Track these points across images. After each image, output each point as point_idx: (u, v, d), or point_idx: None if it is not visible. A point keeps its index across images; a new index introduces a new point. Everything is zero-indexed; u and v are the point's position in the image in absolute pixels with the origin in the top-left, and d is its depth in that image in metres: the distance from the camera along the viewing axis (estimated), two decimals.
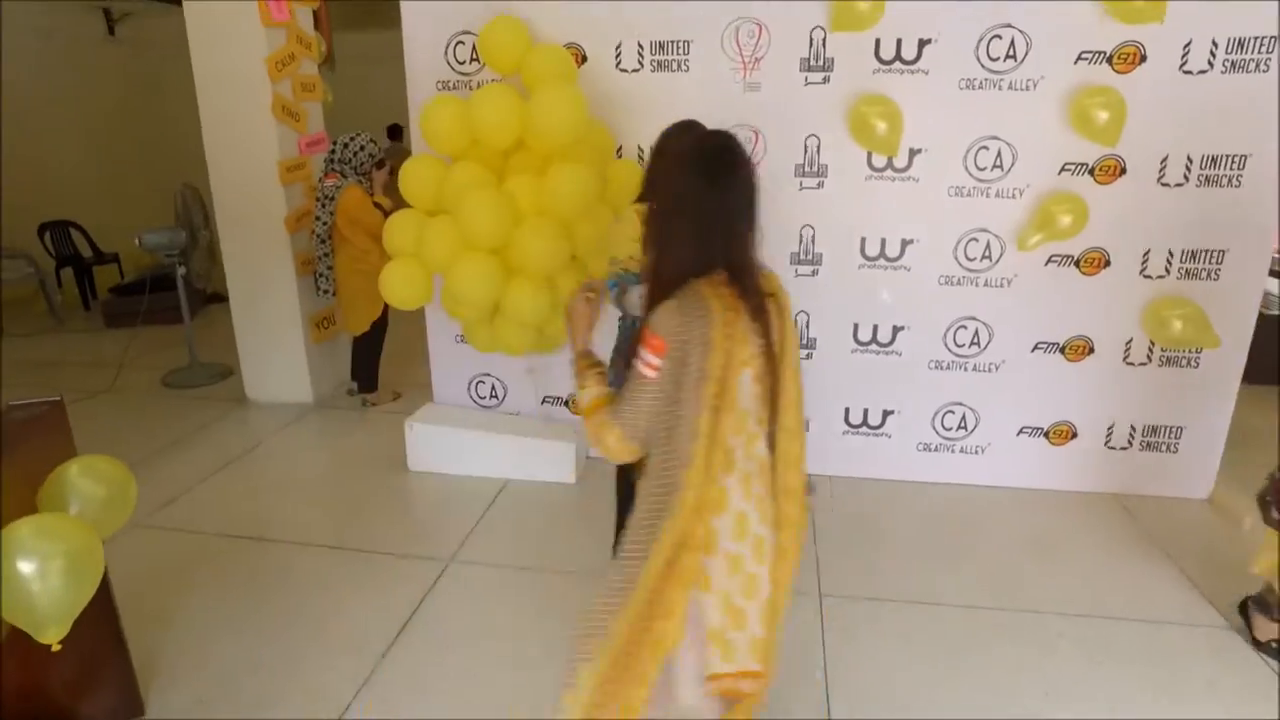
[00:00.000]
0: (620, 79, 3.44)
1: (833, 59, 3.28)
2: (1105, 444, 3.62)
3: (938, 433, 3.68)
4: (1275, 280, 4.38)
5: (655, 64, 3.40)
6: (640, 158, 3.42)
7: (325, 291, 4.28)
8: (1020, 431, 3.64)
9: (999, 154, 3.31)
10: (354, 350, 4.55)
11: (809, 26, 3.25)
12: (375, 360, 4.57)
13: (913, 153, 3.35)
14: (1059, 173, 3.30)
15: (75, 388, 4.87)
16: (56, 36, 7.00)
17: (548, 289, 3.15)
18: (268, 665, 2.55)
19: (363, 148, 4.09)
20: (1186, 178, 3.26)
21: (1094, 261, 3.39)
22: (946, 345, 3.55)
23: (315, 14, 4.49)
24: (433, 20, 3.49)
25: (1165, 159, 3.25)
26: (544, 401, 3.95)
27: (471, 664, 2.54)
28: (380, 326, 4.41)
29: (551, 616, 2.72)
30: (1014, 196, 3.35)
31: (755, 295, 1.48)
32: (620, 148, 3.51)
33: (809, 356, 3.61)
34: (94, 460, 1.96)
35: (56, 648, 1.67)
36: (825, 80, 3.31)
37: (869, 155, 3.37)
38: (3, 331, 6.04)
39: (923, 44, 3.22)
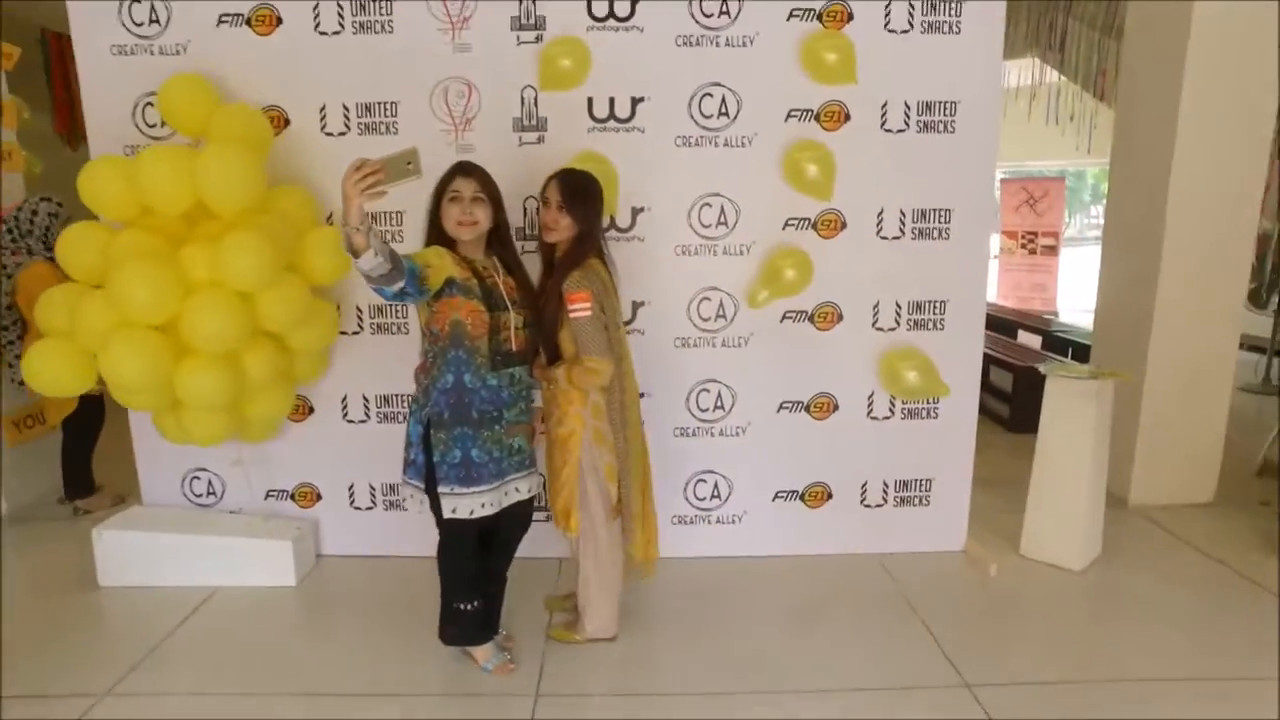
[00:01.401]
0: (326, 143, 3.21)
1: (545, 118, 3.18)
2: (861, 502, 3.54)
3: (690, 503, 3.50)
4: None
5: (362, 126, 3.19)
6: None
7: (20, 383, 3.71)
8: (775, 496, 3.51)
9: (722, 210, 3.27)
10: (62, 450, 3.97)
11: (519, 86, 3.15)
12: (87, 459, 3.99)
13: (635, 211, 3.26)
14: (783, 228, 3.29)
15: None
16: None
17: (229, 367, 2.79)
18: None
19: (48, 215, 3.62)
20: (902, 230, 3.32)
21: (827, 316, 3.37)
22: (690, 411, 3.41)
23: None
24: (117, 79, 3.16)
25: (880, 212, 3.30)
26: (268, 495, 3.52)
27: None
28: (88, 421, 3.87)
29: None
30: (741, 253, 3.30)
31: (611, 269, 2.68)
32: (330, 214, 3.24)
33: None
34: None
35: None
36: (539, 140, 3.19)
37: None
38: None
39: (635, 102, 3.17)
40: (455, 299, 2.39)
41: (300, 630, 3.02)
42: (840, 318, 3.37)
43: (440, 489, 2.45)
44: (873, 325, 3.39)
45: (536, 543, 2.95)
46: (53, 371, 2.76)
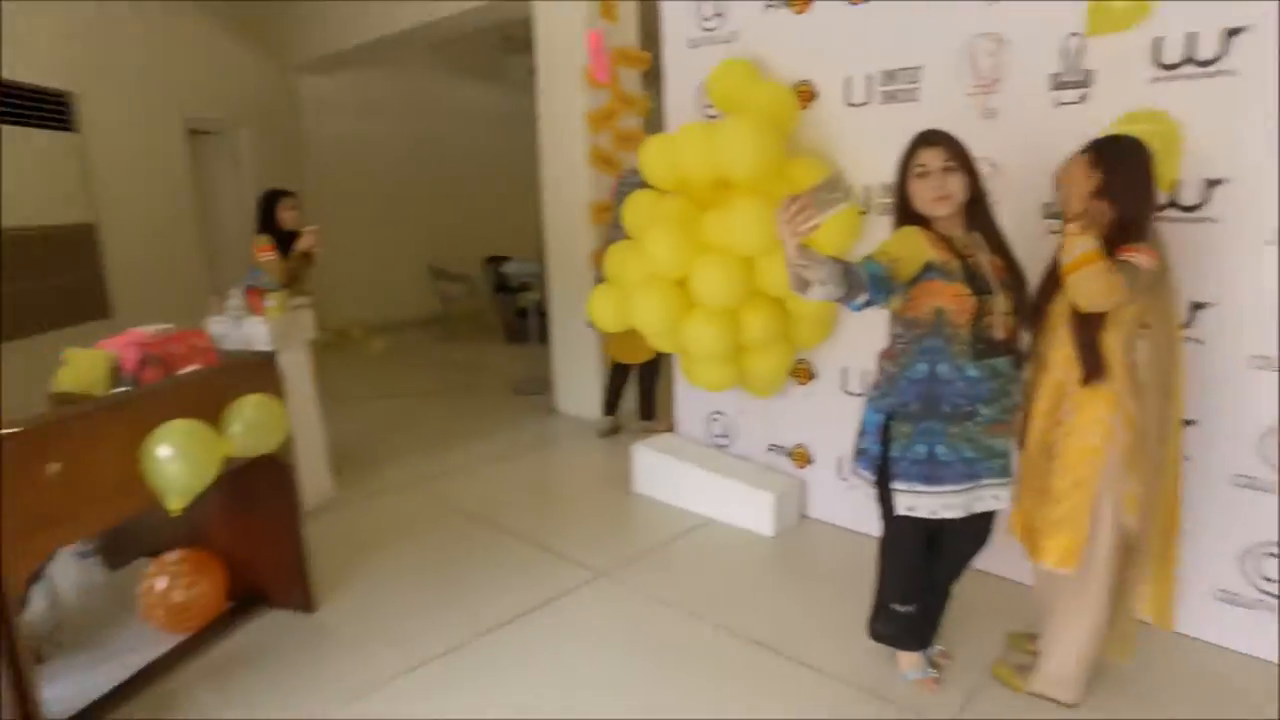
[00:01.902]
0: (848, 114, 3.22)
1: (1092, 71, 2.62)
2: None
3: (1248, 579, 2.59)
4: None
5: (884, 95, 3.10)
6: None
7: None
8: None
9: None
10: (639, 379, 4.93)
11: (1060, 35, 2.66)
12: (651, 390, 4.87)
13: (1210, 184, 2.49)
14: None
15: (453, 382, 6.23)
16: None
17: (727, 323, 3.09)
18: (410, 605, 3.01)
19: (632, 185, 4.41)
20: None
21: None
22: (1262, 455, 2.51)
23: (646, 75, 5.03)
24: (689, 68, 3.67)
25: None
26: (770, 448, 3.81)
27: (539, 675, 2.62)
28: (656, 360, 4.70)
29: (658, 658, 2.67)
30: None
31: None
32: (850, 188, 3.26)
33: None
34: (266, 401, 2.58)
35: (176, 512, 2.26)
36: (1081, 99, 2.66)
37: None
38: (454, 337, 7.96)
39: (1230, 35, 2.39)
40: (934, 283, 2.16)
41: (759, 578, 3.22)
42: None
43: (897, 484, 2.29)
44: None
45: (1001, 559, 2.60)
46: (603, 310, 3.45)
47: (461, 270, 8.20)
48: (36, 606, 2.77)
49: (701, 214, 3.19)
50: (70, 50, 4.57)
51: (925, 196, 2.19)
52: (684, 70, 3.70)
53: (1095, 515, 2.19)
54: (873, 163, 3.06)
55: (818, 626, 2.82)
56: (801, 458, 3.69)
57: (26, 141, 4.25)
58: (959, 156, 2.18)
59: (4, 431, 1.93)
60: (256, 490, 2.88)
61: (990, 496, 2.27)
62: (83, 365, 2.83)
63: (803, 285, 1.99)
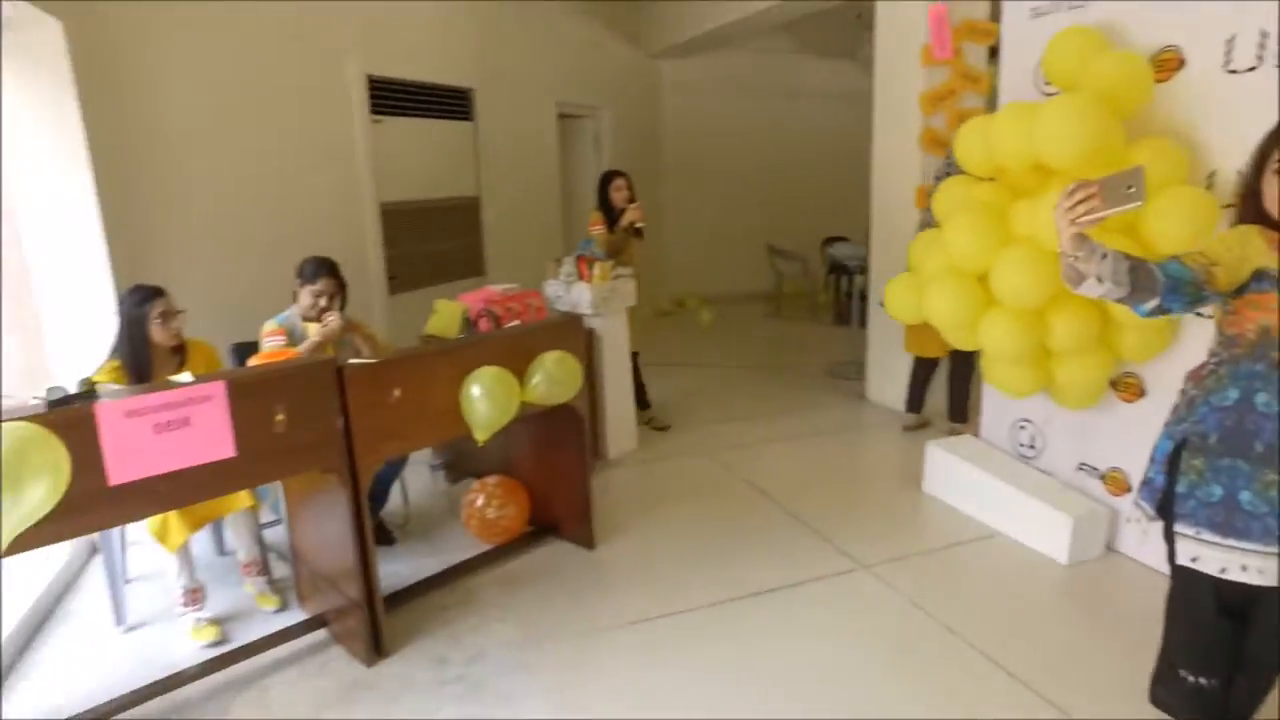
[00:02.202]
0: (1227, 82, 2.66)
1: None
2: None
3: None
4: None
5: None
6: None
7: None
8: None
9: None
10: (950, 377, 4.61)
11: None
12: (964, 389, 4.53)
13: None
14: None
15: (772, 358, 6.37)
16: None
17: (1028, 324, 2.79)
18: (681, 557, 3.27)
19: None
20: None
21: None
22: None
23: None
24: (1030, 41, 3.31)
25: None
26: (1080, 467, 3.36)
27: (774, 648, 2.68)
28: (966, 356, 4.35)
29: (894, 663, 2.61)
30: None
31: None
32: (1213, 173, 2.72)
33: None
34: (565, 357, 2.95)
35: (481, 443, 2.73)
36: None
37: None
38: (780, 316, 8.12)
39: None
40: (1266, 296, 1.78)
41: (1036, 607, 2.90)
42: None
43: (1179, 526, 1.94)
44: None
45: None
46: (899, 300, 3.30)
47: (798, 250, 8.28)
48: (394, 503, 3.52)
49: (1008, 204, 2.89)
50: (470, 52, 5.51)
51: (1275, 195, 1.78)
52: (1024, 43, 3.34)
53: None
54: (1252, 141, 2.50)
55: (1091, 676, 2.48)
56: (1116, 483, 3.20)
57: (431, 131, 5.26)
58: None
59: (353, 362, 2.50)
60: (556, 434, 3.31)
61: None
62: (444, 314, 3.49)
63: (1076, 278, 1.75)
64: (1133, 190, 1.61)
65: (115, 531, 2.88)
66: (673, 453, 4.50)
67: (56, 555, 3.18)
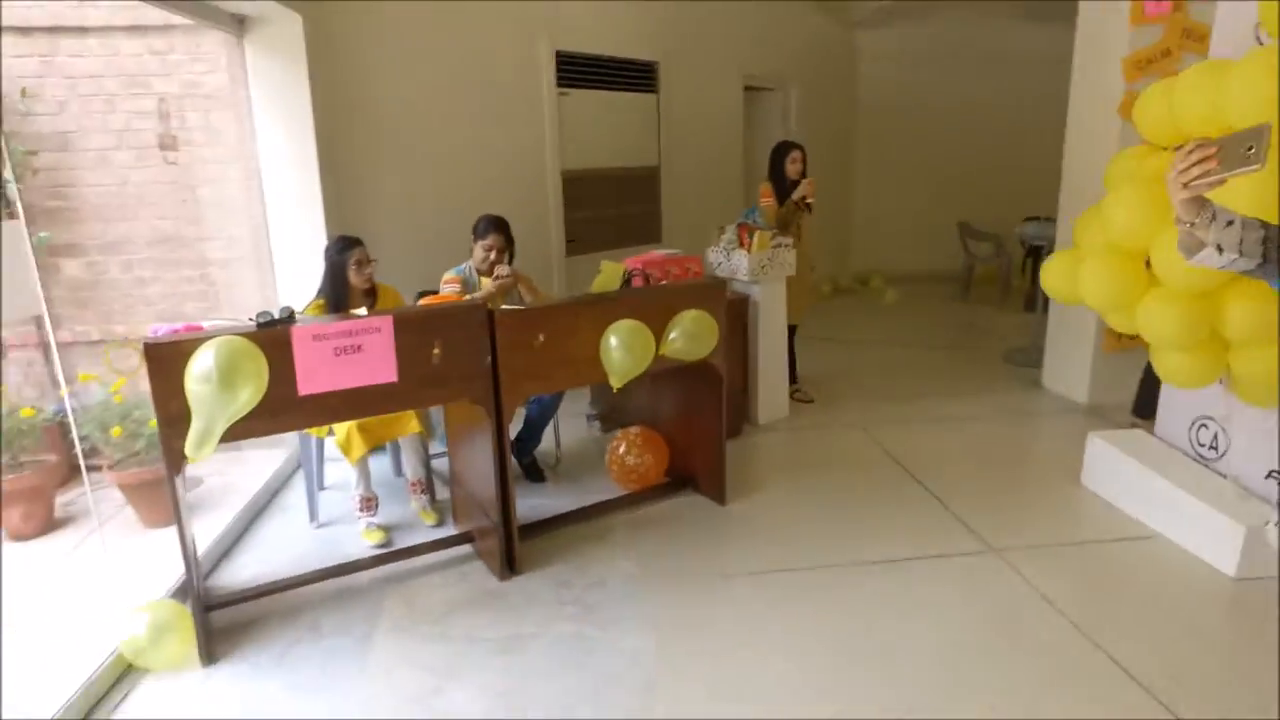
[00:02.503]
0: None
1: None
2: None
3: None
4: None
5: None
6: None
7: None
8: None
9: None
10: (1144, 370, 4.22)
11: None
12: (1156, 382, 4.12)
13: None
14: None
15: (950, 340, 6.14)
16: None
17: (1193, 308, 2.55)
18: (805, 519, 3.37)
19: None
20: None
21: None
22: None
23: None
24: None
25: None
26: (1270, 475, 3.01)
27: (881, 618, 2.70)
28: None
29: (1002, 651, 2.55)
30: None
31: None
32: None
33: None
34: (703, 316, 3.09)
35: (615, 388, 2.95)
36: None
37: None
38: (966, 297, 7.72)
39: None
40: None
41: (1186, 618, 2.67)
42: None
43: None
44: None
45: None
46: (1057, 279, 3.11)
47: (992, 229, 7.77)
48: (548, 445, 3.86)
49: None
50: (655, 26, 5.68)
51: None
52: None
53: None
54: None
55: (1234, 700, 2.27)
56: None
57: (615, 102, 5.53)
58: None
59: (504, 308, 2.80)
60: (697, 392, 3.47)
61: None
62: (608, 273, 3.73)
63: (1194, 247, 1.64)
64: (1253, 151, 1.49)
65: (314, 447, 3.42)
66: (826, 423, 4.51)
67: (273, 462, 3.83)
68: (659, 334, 3.06)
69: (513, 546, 2.96)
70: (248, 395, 2.32)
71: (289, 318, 2.54)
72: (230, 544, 3.24)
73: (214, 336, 2.30)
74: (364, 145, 4.20)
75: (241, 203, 3.76)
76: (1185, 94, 2.60)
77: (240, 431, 2.41)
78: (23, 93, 3.50)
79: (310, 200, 3.76)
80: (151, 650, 2.44)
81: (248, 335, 2.37)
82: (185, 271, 3.83)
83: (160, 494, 3.28)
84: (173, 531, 2.53)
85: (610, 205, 5.64)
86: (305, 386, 2.51)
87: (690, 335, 3.09)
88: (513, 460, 3.51)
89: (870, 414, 4.61)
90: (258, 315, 2.50)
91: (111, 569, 3.01)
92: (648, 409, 3.84)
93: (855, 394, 4.99)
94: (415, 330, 2.65)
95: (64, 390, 3.25)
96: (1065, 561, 3.01)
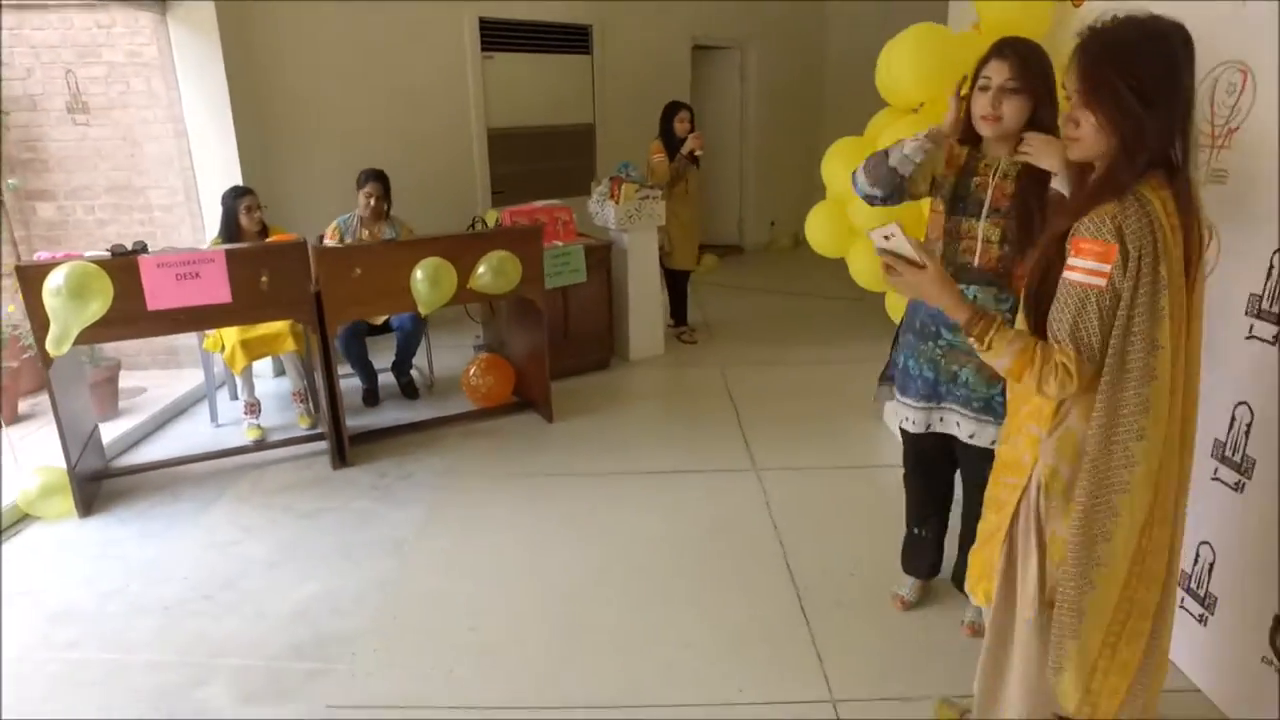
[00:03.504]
0: None
1: None
2: None
3: None
4: None
5: None
6: None
7: None
8: None
9: None
10: None
11: None
12: None
13: None
14: None
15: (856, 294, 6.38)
16: None
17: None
18: (616, 438, 3.85)
19: None
20: None
21: None
22: None
23: None
24: None
25: None
26: None
27: (624, 519, 3.23)
28: None
29: (713, 558, 3.05)
30: None
31: (1188, 195, 1.40)
32: None
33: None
34: (508, 256, 3.62)
35: (423, 316, 3.57)
36: None
37: None
38: None
39: None
40: (934, 198, 2.17)
41: (867, 524, 3.05)
42: None
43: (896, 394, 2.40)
44: None
45: None
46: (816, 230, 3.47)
47: None
48: (424, 374, 4.49)
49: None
50: None
51: (976, 111, 2.00)
52: None
53: (1010, 548, 1.73)
54: None
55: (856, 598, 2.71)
56: None
57: (544, 64, 6.00)
58: (1027, 77, 1.90)
59: (325, 245, 3.41)
60: (528, 324, 4.02)
61: (954, 422, 2.21)
62: (489, 219, 4.28)
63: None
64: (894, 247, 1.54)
65: (216, 365, 4.15)
66: (693, 361, 4.97)
67: (188, 380, 4.59)
68: (469, 271, 3.61)
69: (343, 443, 3.62)
70: (95, 307, 3.01)
71: (141, 249, 3.22)
72: (142, 436, 4.03)
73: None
74: (283, 112, 4.85)
75: (175, 157, 4.49)
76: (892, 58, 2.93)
77: (98, 335, 3.13)
78: None
79: (228, 157, 4.44)
80: (39, 502, 3.22)
81: (99, 262, 3.06)
82: (136, 215, 4.60)
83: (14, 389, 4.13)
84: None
85: (541, 160, 6.14)
86: (153, 303, 3.19)
87: (496, 271, 3.62)
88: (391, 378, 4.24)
89: (738, 355, 5.03)
90: (113, 247, 3.19)
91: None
92: (499, 339, 4.42)
93: (739, 338, 5.40)
94: (245, 263, 3.29)
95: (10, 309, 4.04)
96: (806, 481, 3.42)
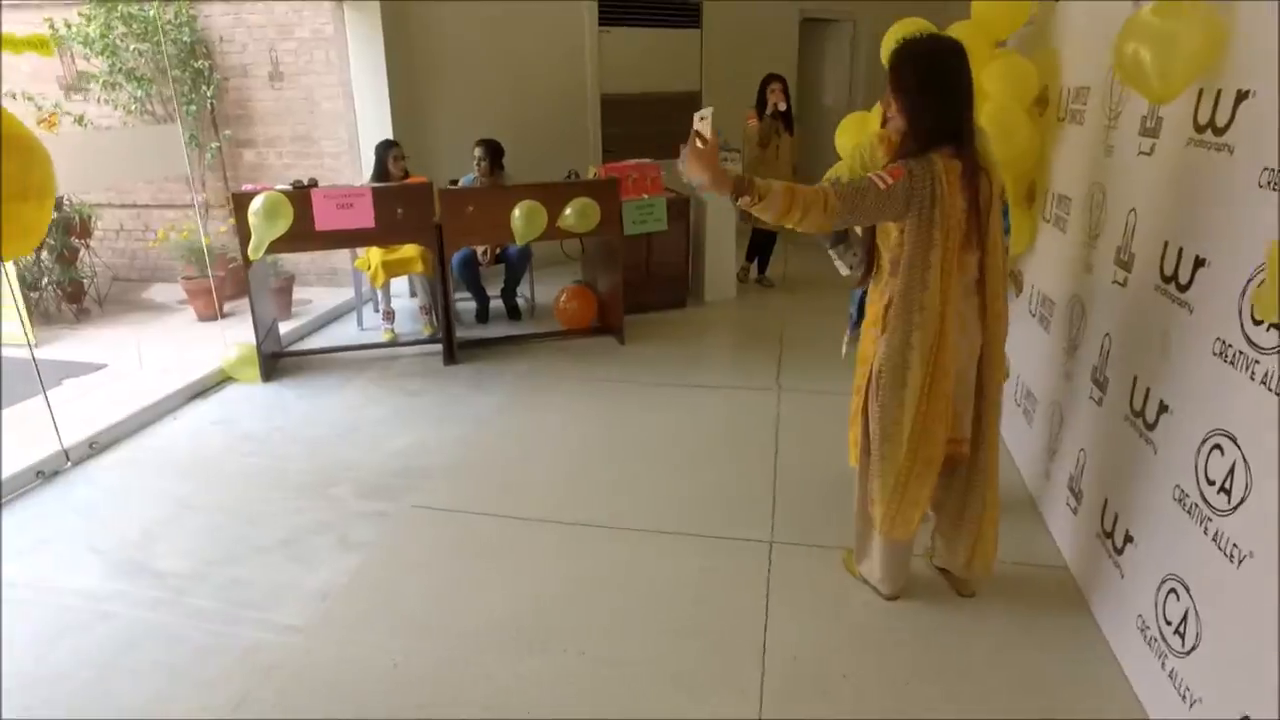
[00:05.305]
0: None
1: None
2: None
3: (1156, 617, 2.14)
4: None
5: None
6: None
7: None
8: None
9: None
10: None
11: None
12: None
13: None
14: None
15: None
16: None
17: None
18: (676, 358, 4.61)
19: None
20: None
21: None
22: (1197, 471, 1.97)
23: None
24: None
25: None
26: None
27: (653, 419, 4.01)
28: None
29: (717, 460, 3.80)
30: None
31: (970, 163, 2.01)
32: None
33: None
34: (589, 204, 4.43)
35: (518, 245, 4.46)
36: None
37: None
38: None
39: None
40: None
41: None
42: None
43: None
44: None
45: None
46: None
47: None
48: (528, 300, 5.42)
49: None
50: None
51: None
52: None
53: (867, 422, 2.35)
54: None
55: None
56: None
57: (656, 38, 6.69)
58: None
59: (446, 189, 4.34)
60: (608, 262, 4.83)
61: None
62: (589, 172, 5.12)
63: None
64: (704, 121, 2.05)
65: (364, 285, 5.23)
66: (759, 305, 5.64)
67: (343, 295, 5.72)
68: (558, 213, 4.45)
69: (452, 346, 4.59)
70: (281, 224, 4.08)
71: (314, 184, 4.28)
72: (307, 332, 5.20)
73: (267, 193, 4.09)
74: (426, 80, 5.85)
75: (343, 114, 5.60)
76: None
77: (283, 248, 4.23)
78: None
79: (383, 116, 5.50)
80: (237, 365, 4.39)
81: (284, 192, 4.13)
82: (311, 160, 5.77)
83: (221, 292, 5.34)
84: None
85: (648, 124, 6.88)
86: (320, 224, 4.24)
87: (578, 213, 4.43)
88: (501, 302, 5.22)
89: (800, 303, 5.61)
90: (294, 182, 4.26)
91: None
92: (593, 276, 5.25)
93: (810, 288, 5.95)
94: (386, 198, 4.29)
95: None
96: (815, 400, 4.03)
